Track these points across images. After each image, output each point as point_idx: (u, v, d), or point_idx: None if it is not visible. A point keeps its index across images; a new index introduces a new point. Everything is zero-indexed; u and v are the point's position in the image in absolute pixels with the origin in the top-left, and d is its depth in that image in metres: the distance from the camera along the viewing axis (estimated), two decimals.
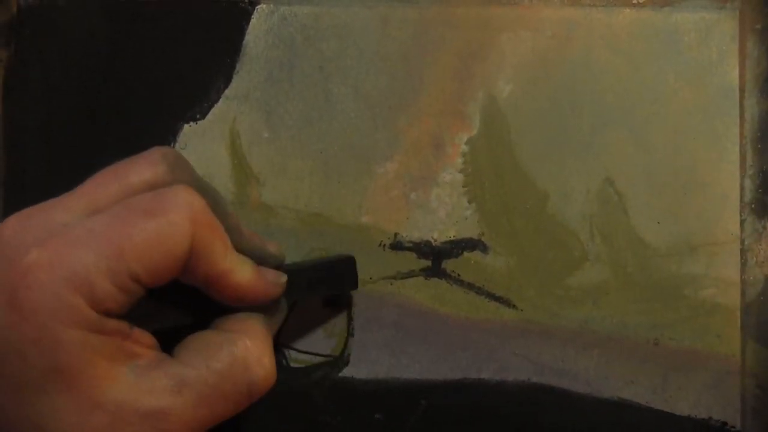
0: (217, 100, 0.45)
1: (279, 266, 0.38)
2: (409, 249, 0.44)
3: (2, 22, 0.46)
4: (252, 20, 0.45)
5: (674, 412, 0.42)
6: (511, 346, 0.43)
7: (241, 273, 0.33)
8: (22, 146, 0.46)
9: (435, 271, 0.44)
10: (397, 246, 0.44)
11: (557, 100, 0.44)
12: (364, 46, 0.44)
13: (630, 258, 0.43)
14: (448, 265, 0.44)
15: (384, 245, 0.44)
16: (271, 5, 0.45)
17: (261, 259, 0.36)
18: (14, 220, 0.31)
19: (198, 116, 0.45)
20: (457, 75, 0.44)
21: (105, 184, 0.32)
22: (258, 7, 0.45)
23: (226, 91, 0.45)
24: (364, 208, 0.44)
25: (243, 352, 0.33)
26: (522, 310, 0.43)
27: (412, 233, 0.44)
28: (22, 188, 0.45)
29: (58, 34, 0.46)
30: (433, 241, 0.44)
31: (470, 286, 0.43)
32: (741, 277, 0.43)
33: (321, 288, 0.41)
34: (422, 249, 0.44)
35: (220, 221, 0.33)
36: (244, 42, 0.45)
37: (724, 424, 0.42)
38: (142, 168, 0.32)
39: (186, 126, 0.45)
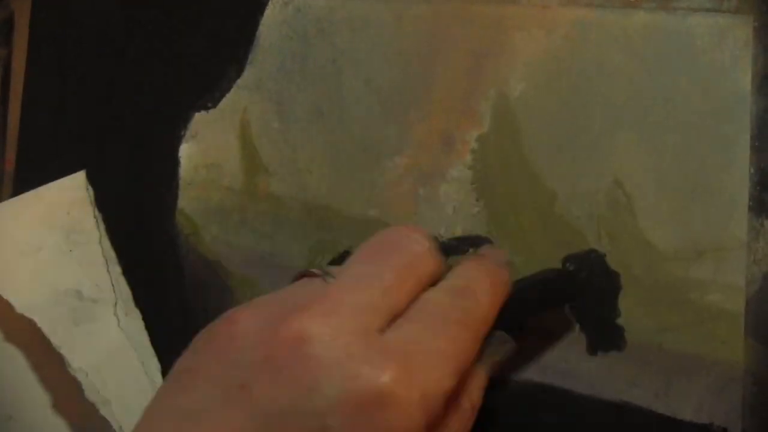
0: (228, 90, 0.45)
1: None
2: None
3: (1, 20, 0.47)
4: (266, 11, 0.45)
5: (676, 417, 0.42)
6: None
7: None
8: (35, 129, 0.46)
9: None
10: None
11: (568, 100, 0.44)
12: (378, 40, 0.44)
13: (636, 260, 0.43)
14: (455, 261, 0.44)
15: None
16: None
17: None
18: (320, 317, 0.29)
19: (209, 105, 0.45)
20: (469, 72, 0.44)
21: (400, 278, 0.31)
22: None
23: (238, 81, 0.45)
24: (372, 202, 0.44)
25: None
26: None
27: None
28: (35, 171, 0.46)
29: (72, 20, 0.46)
30: (439, 237, 0.44)
31: None
32: None
33: (543, 307, 0.41)
34: None
35: None
36: (258, 32, 0.45)
37: (725, 430, 0.42)
38: (416, 246, 0.33)
39: (197, 114, 0.45)
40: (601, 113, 0.43)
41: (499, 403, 0.43)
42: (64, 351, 0.45)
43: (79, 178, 0.46)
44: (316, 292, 0.30)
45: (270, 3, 0.45)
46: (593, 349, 0.42)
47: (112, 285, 0.45)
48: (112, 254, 0.45)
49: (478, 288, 0.32)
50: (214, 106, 0.45)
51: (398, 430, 0.28)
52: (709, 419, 0.42)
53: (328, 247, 0.44)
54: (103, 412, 0.44)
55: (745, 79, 0.43)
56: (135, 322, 0.46)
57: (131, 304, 0.46)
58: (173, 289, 0.45)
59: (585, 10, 0.44)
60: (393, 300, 0.30)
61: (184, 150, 0.45)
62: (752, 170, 0.43)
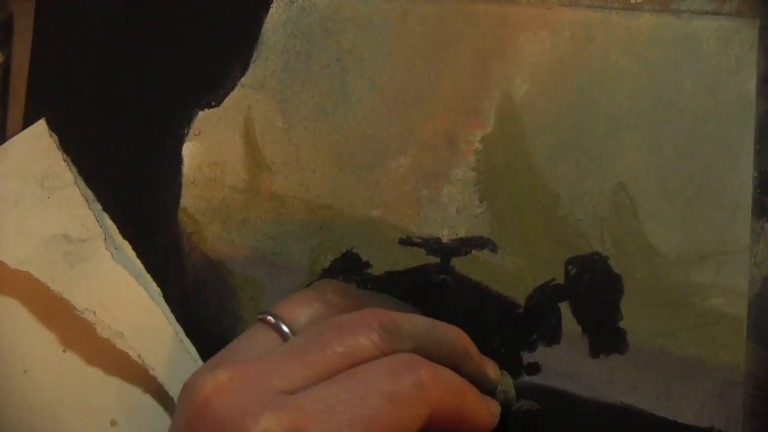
0: (232, 88, 0.45)
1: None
2: (418, 245, 0.44)
3: (1, 21, 0.47)
4: (271, 9, 0.45)
5: (677, 420, 0.42)
6: None
7: (487, 418, 0.34)
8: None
9: (443, 269, 0.44)
10: (406, 242, 0.44)
11: (573, 102, 0.43)
12: (383, 39, 0.44)
13: (639, 263, 0.43)
14: (457, 263, 0.44)
15: (393, 240, 0.44)
16: None
17: (481, 384, 0.37)
18: (228, 384, 0.30)
19: (213, 103, 0.45)
20: (474, 72, 0.44)
21: (328, 355, 0.31)
22: None
23: (242, 79, 0.45)
24: (375, 202, 0.44)
25: None
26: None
27: (422, 229, 0.44)
28: None
29: (76, 18, 0.46)
30: (442, 238, 0.44)
31: (478, 285, 0.43)
32: None
33: None
34: (431, 246, 0.44)
35: (450, 357, 0.33)
36: (262, 31, 0.45)
37: None
38: (363, 340, 0.32)
39: (201, 112, 0.45)
40: (605, 115, 0.43)
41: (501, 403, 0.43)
42: (66, 296, 0.45)
43: (41, 126, 0.46)
44: (247, 352, 0.32)
45: (275, 1, 0.45)
46: (595, 351, 0.42)
47: (97, 221, 0.46)
48: (89, 193, 0.46)
49: (413, 378, 0.31)
50: (218, 104, 0.45)
51: None
52: (709, 423, 0.42)
53: (331, 247, 0.44)
54: (119, 345, 0.45)
55: (749, 83, 0.43)
56: (127, 253, 0.46)
57: (119, 237, 0.46)
58: (175, 288, 0.46)
59: (590, 11, 0.44)
60: (311, 371, 0.30)
61: (187, 148, 0.45)
62: (755, 174, 0.43)
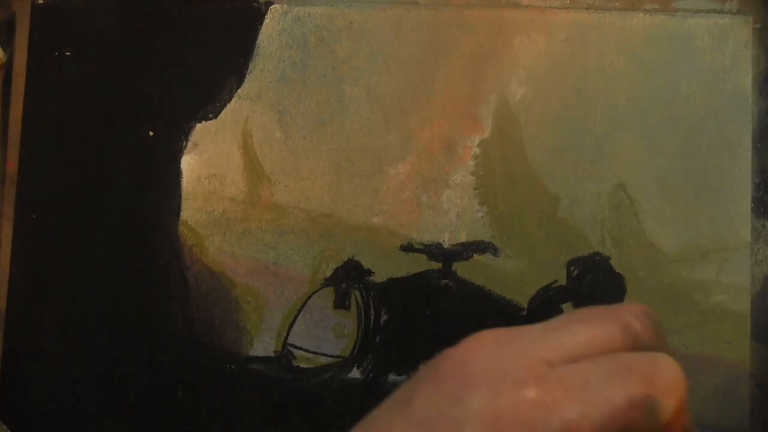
0: (229, 100, 0.45)
1: None
2: (419, 251, 0.44)
3: (2, 22, 0.46)
4: (265, 20, 0.45)
5: None
6: None
7: None
8: (35, 142, 0.46)
9: (445, 274, 0.44)
10: (407, 248, 0.44)
11: (570, 104, 0.44)
12: (378, 47, 0.44)
13: (641, 262, 0.43)
14: (459, 267, 0.44)
15: (394, 247, 0.44)
16: (285, 5, 0.45)
17: None
18: (491, 344, 0.30)
19: (210, 115, 0.45)
20: (469, 77, 0.44)
21: (591, 332, 0.30)
22: (272, 6, 0.45)
23: (239, 91, 0.45)
24: (375, 210, 0.44)
25: None
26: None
27: (423, 235, 0.44)
28: (35, 183, 0.45)
29: (73, 31, 0.46)
30: (443, 243, 0.44)
31: (480, 289, 0.43)
32: None
33: None
34: (433, 251, 0.44)
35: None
36: (258, 42, 0.45)
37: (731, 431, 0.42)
38: (614, 328, 0.31)
39: (198, 125, 0.45)
40: (602, 116, 0.43)
41: None
42: None
43: None
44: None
45: (269, 12, 0.45)
46: None
47: None
48: None
49: (674, 374, 0.30)
50: (215, 116, 0.45)
51: None
52: (716, 419, 0.42)
53: (333, 256, 0.44)
54: None
55: (745, 80, 0.43)
56: None
57: None
58: (178, 300, 0.45)
59: (584, 12, 0.44)
60: (574, 346, 0.30)
61: (186, 161, 0.45)
62: (755, 172, 0.43)
